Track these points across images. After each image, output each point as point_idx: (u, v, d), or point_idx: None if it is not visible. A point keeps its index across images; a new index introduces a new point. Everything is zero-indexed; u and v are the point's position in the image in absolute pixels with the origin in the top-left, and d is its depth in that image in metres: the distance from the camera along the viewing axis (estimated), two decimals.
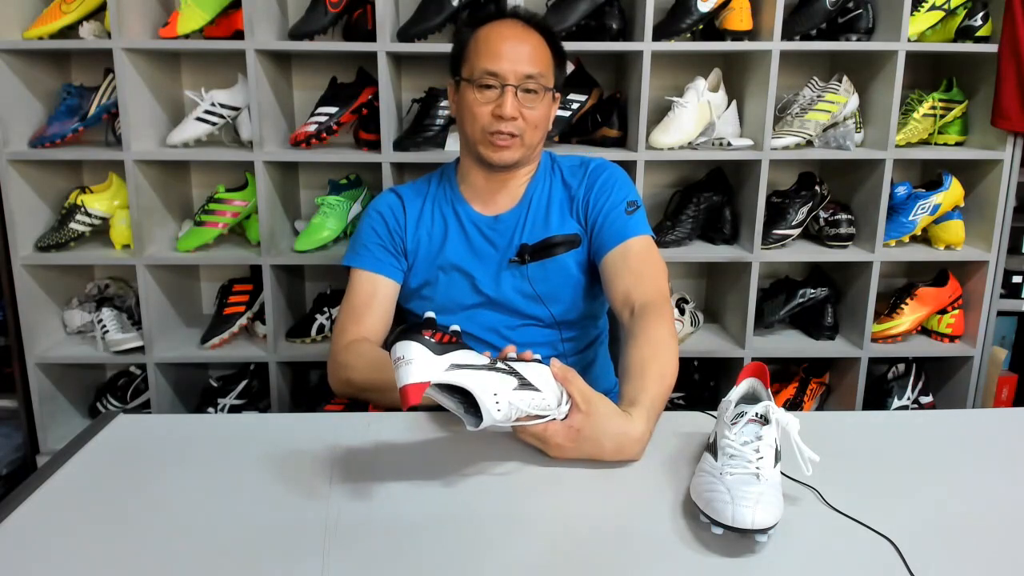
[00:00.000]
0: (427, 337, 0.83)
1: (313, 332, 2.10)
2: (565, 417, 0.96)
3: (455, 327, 0.89)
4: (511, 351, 0.96)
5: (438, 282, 1.36)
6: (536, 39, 1.30)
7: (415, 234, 1.38)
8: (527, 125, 1.28)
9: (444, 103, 1.98)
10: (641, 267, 1.27)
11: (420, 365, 0.82)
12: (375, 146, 1.99)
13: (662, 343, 1.12)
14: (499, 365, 0.89)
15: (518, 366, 0.91)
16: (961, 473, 0.98)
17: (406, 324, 0.86)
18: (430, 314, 0.88)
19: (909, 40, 1.94)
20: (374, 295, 1.34)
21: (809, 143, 2.04)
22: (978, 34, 1.99)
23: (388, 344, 0.87)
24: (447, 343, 0.85)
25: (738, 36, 1.98)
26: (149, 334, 2.04)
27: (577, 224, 1.36)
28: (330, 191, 2.07)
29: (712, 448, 0.90)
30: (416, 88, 2.14)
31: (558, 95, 1.36)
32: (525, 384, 0.90)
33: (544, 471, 0.97)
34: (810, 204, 2.09)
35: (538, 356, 0.97)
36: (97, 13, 1.97)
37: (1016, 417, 1.21)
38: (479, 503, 0.90)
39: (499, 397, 0.87)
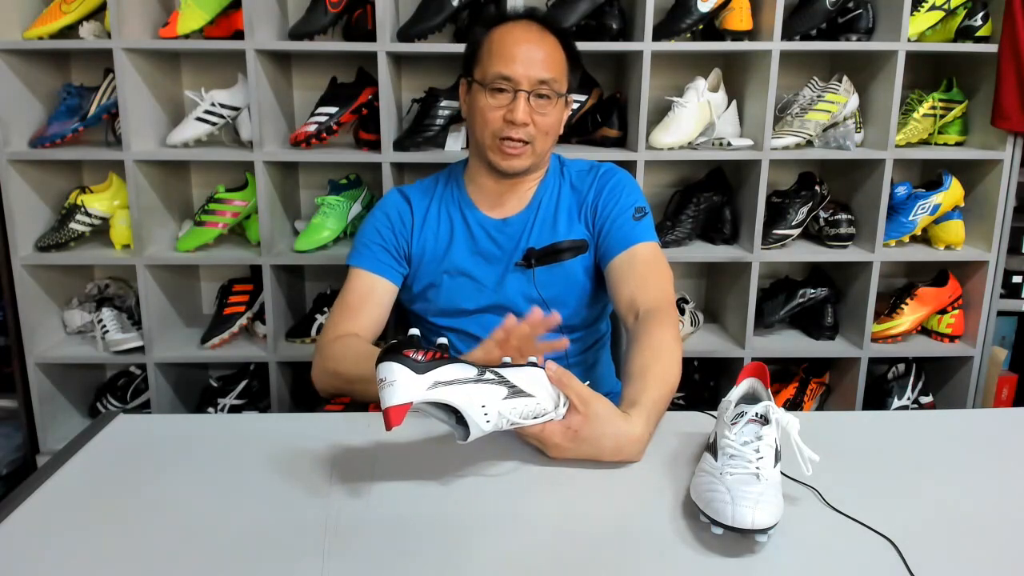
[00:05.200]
0: (409, 357, 0.83)
1: (313, 332, 2.10)
2: (564, 418, 0.96)
3: (442, 340, 0.88)
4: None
5: (442, 285, 1.36)
6: (551, 42, 1.27)
7: (420, 237, 1.37)
8: (538, 132, 1.27)
9: (444, 103, 1.97)
10: (647, 272, 1.27)
11: (402, 386, 0.82)
12: (375, 146, 1.99)
13: (665, 347, 1.12)
14: (487, 375, 0.88)
15: (509, 373, 0.91)
16: (961, 473, 0.98)
17: (388, 344, 0.85)
18: (414, 331, 0.87)
19: (909, 40, 1.94)
20: (370, 294, 1.33)
21: (809, 143, 2.04)
22: (978, 34, 1.99)
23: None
24: (432, 360, 0.84)
25: (738, 36, 1.98)
26: (149, 334, 2.04)
27: (585, 229, 1.35)
28: (330, 191, 2.07)
29: (712, 448, 0.90)
30: (416, 88, 2.14)
31: (571, 98, 1.35)
32: (516, 391, 0.90)
33: (544, 471, 0.97)
34: (810, 204, 2.09)
35: (533, 359, 0.96)
36: (97, 13, 1.97)
37: (1016, 417, 1.21)
38: (479, 503, 0.90)
39: (488, 408, 0.86)
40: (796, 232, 2.09)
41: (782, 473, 0.88)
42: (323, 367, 1.26)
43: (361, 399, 1.21)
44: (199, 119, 1.99)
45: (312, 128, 1.97)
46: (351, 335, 1.27)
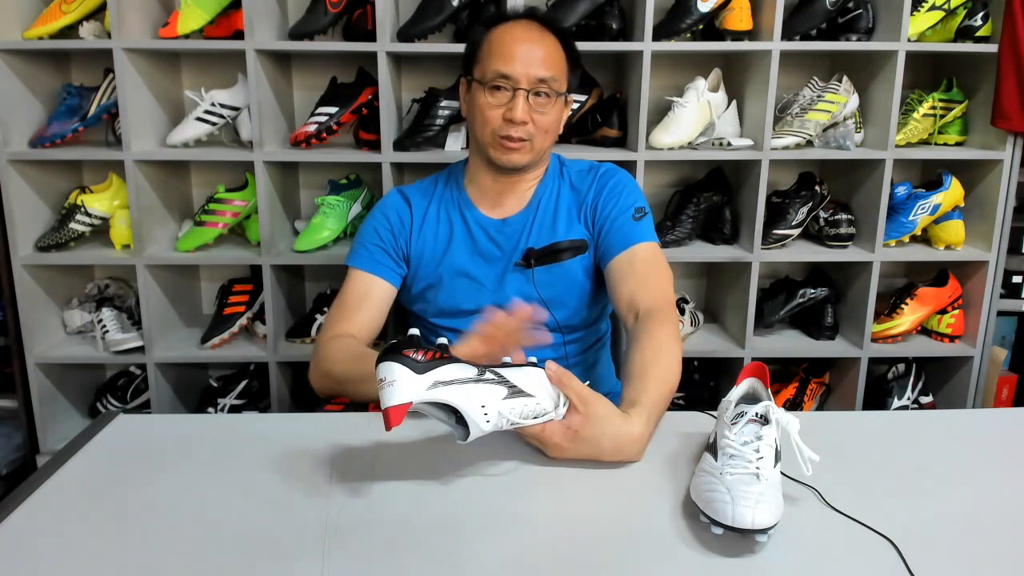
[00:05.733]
0: (408, 356, 0.83)
1: (313, 332, 2.10)
2: (564, 418, 0.96)
3: (442, 340, 0.89)
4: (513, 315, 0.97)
5: (441, 285, 1.36)
6: (551, 42, 1.28)
7: (419, 237, 1.37)
8: (537, 130, 1.27)
9: (444, 103, 1.97)
10: (647, 273, 1.27)
11: (401, 386, 0.82)
12: (375, 146, 1.99)
13: (665, 347, 1.12)
14: (487, 375, 0.88)
15: (509, 373, 0.91)
16: (961, 473, 0.98)
17: (388, 344, 0.85)
18: (413, 331, 0.87)
19: (909, 40, 1.94)
20: (367, 295, 1.33)
21: (809, 143, 2.04)
22: (978, 34, 1.99)
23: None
24: (432, 360, 0.84)
25: (738, 36, 1.98)
26: (149, 334, 2.04)
27: (584, 229, 1.35)
28: (330, 191, 2.07)
29: (712, 448, 0.90)
30: (416, 88, 2.14)
31: (571, 98, 1.35)
32: (516, 391, 0.90)
33: (543, 471, 0.97)
34: (810, 204, 2.09)
35: (533, 359, 0.96)
36: (97, 13, 1.97)
37: (1016, 417, 1.21)
38: (479, 503, 0.90)
39: (487, 408, 0.87)
40: (796, 232, 2.09)
41: (782, 473, 0.88)
42: (317, 367, 1.27)
43: (354, 399, 1.22)
44: (199, 119, 1.99)
45: (312, 128, 1.97)
46: (346, 336, 1.27)
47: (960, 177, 2.08)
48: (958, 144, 2.14)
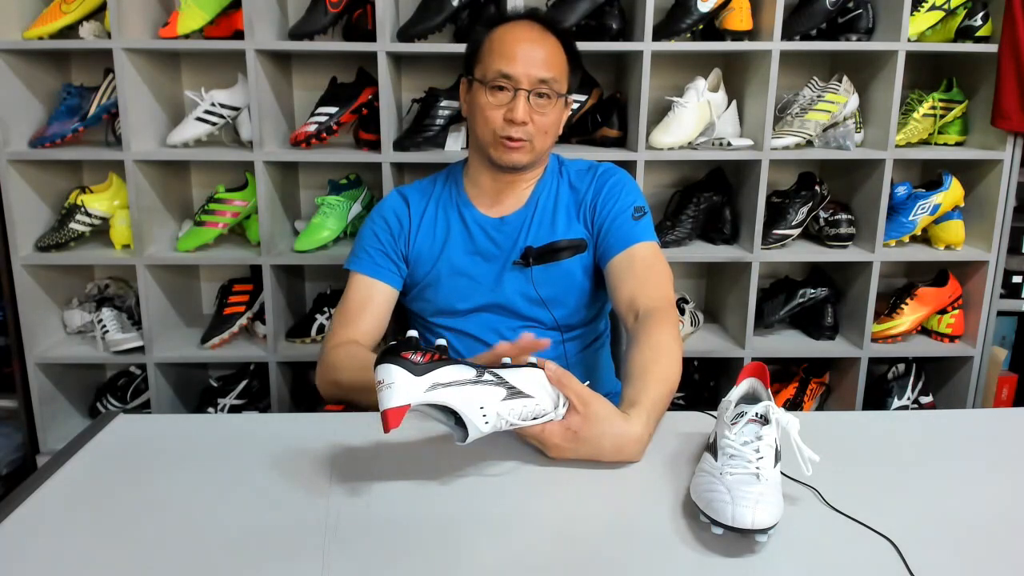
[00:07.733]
0: (407, 359, 0.83)
1: (313, 332, 2.10)
2: (563, 418, 0.96)
3: (441, 342, 0.89)
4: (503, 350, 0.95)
5: (440, 284, 1.36)
6: (552, 43, 1.28)
7: (418, 237, 1.38)
8: (537, 131, 1.27)
9: (444, 103, 1.97)
10: (646, 272, 1.27)
11: (400, 388, 0.82)
12: (375, 146, 1.99)
13: (665, 347, 1.12)
14: (486, 376, 0.88)
15: (508, 374, 0.91)
16: (961, 473, 0.98)
17: (387, 346, 0.85)
18: (412, 333, 0.87)
19: (909, 40, 1.94)
20: (369, 300, 1.33)
21: (809, 143, 2.04)
22: (978, 34, 1.99)
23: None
24: (430, 361, 0.84)
25: (738, 36, 1.98)
26: (149, 334, 2.04)
27: (584, 228, 1.35)
28: (330, 191, 2.07)
29: (712, 448, 0.90)
30: (416, 88, 2.14)
31: (571, 99, 1.35)
32: (515, 392, 0.90)
33: (543, 471, 0.97)
34: (810, 204, 2.09)
35: (533, 359, 0.96)
36: (97, 13, 1.97)
37: (1016, 417, 1.21)
38: (479, 503, 0.90)
39: (486, 409, 0.86)
40: (796, 232, 2.09)
41: (782, 473, 0.88)
42: (324, 376, 1.27)
43: (362, 406, 1.21)
44: (199, 119, 1.99)
45: (312, 128, 1.97)
46: (351, 342, 1.27)
47: (960, 177, 2.08)
48: (958, 144, 2.14)
